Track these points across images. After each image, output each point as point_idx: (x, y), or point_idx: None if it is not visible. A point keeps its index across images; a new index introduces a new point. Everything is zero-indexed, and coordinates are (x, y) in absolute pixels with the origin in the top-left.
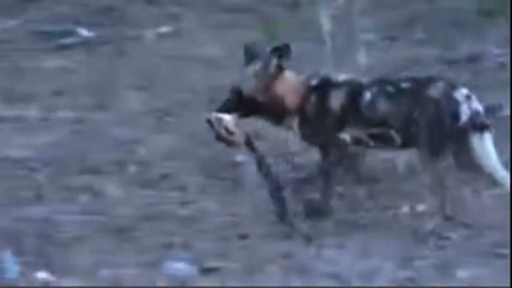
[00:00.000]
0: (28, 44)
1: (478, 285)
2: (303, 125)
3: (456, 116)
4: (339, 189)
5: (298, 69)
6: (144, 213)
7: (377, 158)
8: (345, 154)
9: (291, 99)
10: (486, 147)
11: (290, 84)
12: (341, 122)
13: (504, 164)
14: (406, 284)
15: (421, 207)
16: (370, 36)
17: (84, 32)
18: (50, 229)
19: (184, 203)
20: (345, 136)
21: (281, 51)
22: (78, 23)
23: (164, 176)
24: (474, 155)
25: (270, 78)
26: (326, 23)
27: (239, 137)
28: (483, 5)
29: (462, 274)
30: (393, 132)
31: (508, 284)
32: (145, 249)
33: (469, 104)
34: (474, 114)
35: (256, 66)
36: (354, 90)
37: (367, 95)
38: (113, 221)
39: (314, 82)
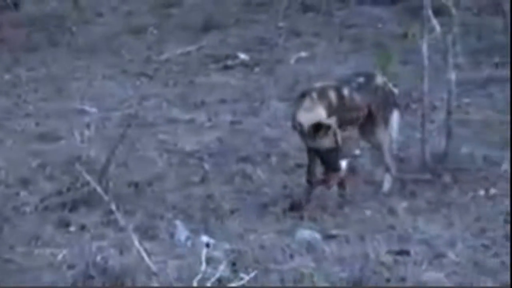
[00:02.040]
0: (201, 64)
1: None
2: None
3: (394, 95)
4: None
5: (403, 87)
6: (283, 192)
7: None
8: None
9: None
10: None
11: None
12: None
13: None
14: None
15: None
16: (459, 60)
17: (243, 56)
18: (211, 204)
19: None
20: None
21: None
22: (239, 49)
23: (299, 165)
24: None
25: None
26: (425, 50)
27: None
28: None
29: None
30: (362, 114)
31: None
32: (282, 220)
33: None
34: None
35: None
36: (339, 89)
37: (346, 91)
38: (259, 199)
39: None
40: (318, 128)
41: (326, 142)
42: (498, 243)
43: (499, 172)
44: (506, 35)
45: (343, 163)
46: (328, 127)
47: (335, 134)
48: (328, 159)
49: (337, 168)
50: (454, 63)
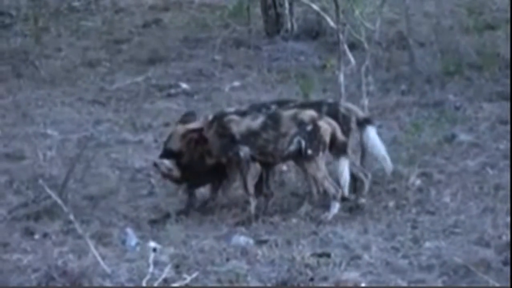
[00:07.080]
0: (148, 93)
1: None
2: None
3: None
4: None
5: None
6: (220, 200)
7: None
8: None
9: None
10: None
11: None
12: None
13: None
14: None
15: None
16: (371, 88)
17: (184, 85)
18: (158, 214)
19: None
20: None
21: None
22: (180, 79)
23: None
24: None
25: None
26: (342, 80)
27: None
28: (446, 68)
29: None
30: None
31: None
32: (219, 227)
33: None
34: None
35: None
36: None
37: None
38: (199, 209)
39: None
40: None
41: None
42: (406, 246)
43: (406, 185)
44: (411, 66)
45: None
46: None
47: None
48: None
49: None
50: (366, 91)
